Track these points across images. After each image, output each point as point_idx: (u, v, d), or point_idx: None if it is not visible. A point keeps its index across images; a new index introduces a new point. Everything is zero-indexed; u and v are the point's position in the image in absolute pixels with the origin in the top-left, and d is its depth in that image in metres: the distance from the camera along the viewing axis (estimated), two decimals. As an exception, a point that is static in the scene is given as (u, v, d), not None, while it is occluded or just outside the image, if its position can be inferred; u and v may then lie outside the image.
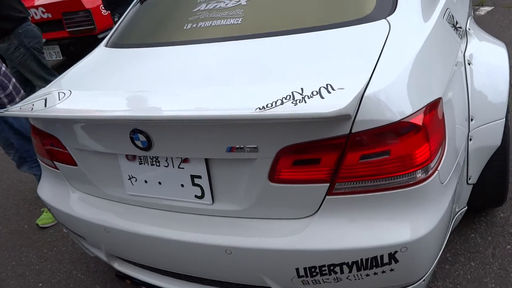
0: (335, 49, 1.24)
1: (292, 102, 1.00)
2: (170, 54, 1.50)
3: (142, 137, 1.20)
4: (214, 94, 1.15)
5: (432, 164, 1.09)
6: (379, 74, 1.08)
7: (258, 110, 0.99)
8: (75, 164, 1.46)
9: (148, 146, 1.21)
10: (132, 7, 1.99)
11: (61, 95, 1.44)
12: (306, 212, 1.15)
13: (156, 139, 1.19)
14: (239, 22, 1.50)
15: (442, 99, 1.16)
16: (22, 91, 2.22)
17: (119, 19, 3.41)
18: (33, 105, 1.36)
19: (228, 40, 1.45)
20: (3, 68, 2.15)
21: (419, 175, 1.07)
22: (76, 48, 4.64)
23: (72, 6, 4.38)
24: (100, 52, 1.77)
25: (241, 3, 1.56)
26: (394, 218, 1.08)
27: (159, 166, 1.29)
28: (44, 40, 4.74)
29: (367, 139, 1.04)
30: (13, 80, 2.19)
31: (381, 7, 1.37)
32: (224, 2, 1.60)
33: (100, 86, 1.44)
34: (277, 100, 1.02)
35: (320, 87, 1.04)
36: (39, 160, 1.65)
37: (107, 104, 1.29)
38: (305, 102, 1.00)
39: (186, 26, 1.59)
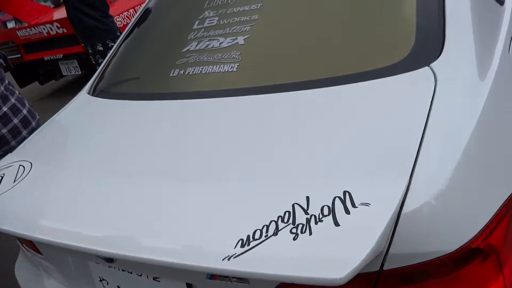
0: (355, 120, 0.88)
1: (291, 230, 0.67)
2: (151, 117, 1.19)
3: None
4: (182, 204, 0.83)
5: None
6: (424, 172, 0.72)
7: (239, 247, 0.66)
8: (41, 254, 1.19)
9: (111, 259, 0.91)
10: (120, 43, 1.69)
11: (20, 170, 1.17)
12: None
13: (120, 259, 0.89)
14: (234, 69, 1.16)
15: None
16: (37, 116, 2.07)
17: (92, 50, 3.22)
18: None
19: (218, 96, 1.12)
20: (17, 93, 1.98)
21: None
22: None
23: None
24: (79, 103, 1.48)
25: (238, 43, 1.23)
26: None
27: (131, 273, 0.99)
28: (61, 55, 4.62)
29: (406, 278, 0.69)
30: (27, 105, 2.02)
31: (421, 48, 1.00)
32: (218, 40, 1.27)
33: (64, 160, 1.15)
34: (270, 223, 0.69)
35: (335, 198, 0.70)
36: None
37: (61, 210, 0.98)
38: (310, 231, 0.66)
39: (173, 73, 1.28)
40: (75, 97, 1.57)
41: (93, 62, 3.38)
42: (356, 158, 0.78)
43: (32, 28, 4.53)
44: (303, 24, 1.19)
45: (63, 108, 1.52)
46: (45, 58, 4.67)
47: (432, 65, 0.94)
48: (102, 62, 3.23)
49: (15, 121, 1.93)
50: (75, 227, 0.87)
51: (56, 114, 1.51)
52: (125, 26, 4.32)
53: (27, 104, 2.04)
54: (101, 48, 3.22)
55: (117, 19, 4.25)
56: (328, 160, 0.80)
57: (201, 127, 1.03)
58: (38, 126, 2.02)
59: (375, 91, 0.94)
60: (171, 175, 0.91)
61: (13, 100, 1.92)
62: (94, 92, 1.49)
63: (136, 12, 4.46)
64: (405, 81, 0.94)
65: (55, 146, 1.26)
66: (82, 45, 3.48)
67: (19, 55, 4.74)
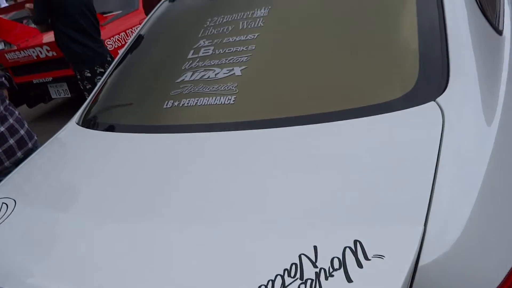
0: (361, 160, 0.84)
1: (300, 285, 0.61)
2: (143, 152, 1.13)
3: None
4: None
5: None
6: (439, 218, 0.67)
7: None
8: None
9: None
10: (111, 71, 1.64)
11: (3, 208, 1.10)
12: None
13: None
14: (231, 101, 1.12)
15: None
16: (35, 137, 2.04)
17: (80, 76, 3.16)
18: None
19: (215, 130, 1.07)
20: (17, 113, 1.98)
21: None
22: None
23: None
24: (67, 134, 1.42)
25: (234, 73, 1.18)
26: None
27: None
28: (50, 78, 4.55)
29: None
30: (26, 126, 2.02)
31: (425, 81, 0.96)
32: (214, 71, 1.23)
33: (50, 199, 1.08)
34: (275, 278, 0.63)
35: (345, 249, 0.64)
36: None
37: (45, 259, 0.90)
38: (320, 286, 0.60)
39: (167, 104, 1.23)
40: (64, 127, 1.51)
41: (81, 87, 3.31)
42: (365, 202, 0.73)
43: (21, 51, 4.47)
44: (303, 55, 1.15)
45: (51, 138, 1.45)
46: (34, 81, 4.60)
47: (438, 99, 0.91)
48: (90, 88, 3.19)
49: (11, 141, 1.90)
50: (59, 281, 0.80)
51: (43, 146, 1.44)
52: (116, 49, 4.29)
53: (26, 125, 2.01)
54: (89, 74, 3.16)
55: (108, 43, 4.21)
56: (334, 205, 0.74)
57: (197, 165, 0.98)
58: (35, 147, 1.97)
59: (381, 127, 0.90)
60: (164, 219, 0.85)
61: (11, 120, 1.90)
62: (83, 122, 1.43)
63: (127, 36, 4.44)
64: (411, 116, 0.90)
65: (41, 182, 1.19)
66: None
67: (8, 78, 4.66)
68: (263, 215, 0.77)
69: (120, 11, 4.63)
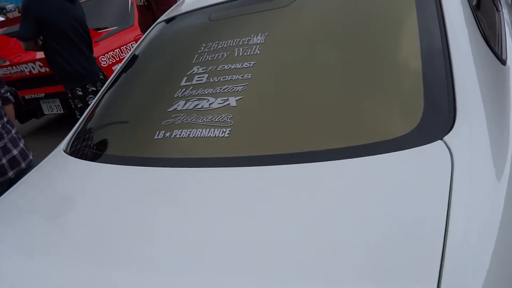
0: (365, 207, 0.78)
1: None
2: (131, 187, 1.06)
3: None
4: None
5: None
6: (453, 279, 0.61)
7: None
8: None
9: None
10: (101, 96, 1.58)
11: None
12: None
13: None
14: (225, 134, 1.06)
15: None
16: (30, 157, 2.00)
17: (71, 94, 3.07)
18: None
19: (207, 165, 1.01)
20: (13, 132, 1.95)
21: None
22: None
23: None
24: (53, 163, 1.35)
25: (229, 104, 1.13)
26: None
27: None
28: (43, 94, 4.48)
29: None
30: (22, 145, 1.98)
31: (431, 118, 0.91)
32: (208, 100, 1.17)
33: (30, 241, 1.00)
34: None
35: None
36: None
37: None
38: None
39: (158, 135, 1.17)
40: (50, 154, 1.45)
41: (72, 106, 3.23)
42: (368, 257, 0.67)
43: (14, 67, 4.40)
44: (302, 86, 1.10)
45: (37, 167, 1.38)
46: (26, 97, 4.53)
47: (445, 138, 0.86)
48: (81, 107, 3.12)
49: (3, 161, 1.86)
50: None
51: (27, 175, 1.37)
52: (110, 65, 4.24)
53: (21, 144, 1.96)
54: (80, 93, 3.09)
55: (102, 59, 4.17)
56: (335, 260, 0.68)
57: (188, 204, 0.91)
58: (28, 167, 1.92)
59: (386, 168, 0.84)
60: (152, 266, 0.78)
61: (6, 139, 1.87)
62: (70, 150, 1.36)
63: (122, 52, 4.40)
64: (416, 156, 0.84)
65: (21, 219, 1.12)
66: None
67: (-1, 94, 4.59)
68: (252, 274, 0.70)
69: (115, 27, 4.59)
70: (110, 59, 4.33)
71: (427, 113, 0.92)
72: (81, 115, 3.01)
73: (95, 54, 4.19)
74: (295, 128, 1.02)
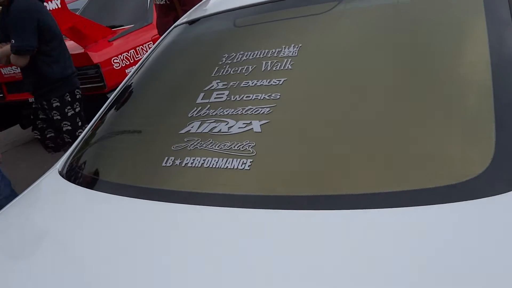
0: (424, 272, 0.69)
1: None
2: (132, 223, 1.03)
3: None
4: None
5: None
6: None
7: None
8: None
9: None
10: (104, 112, 1.55)
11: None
12: None
13: None
14: (246, 167, 1.00)
15: None
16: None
17: (48, 105, 3.09)
18: None
19: (222, 204, 0.96)
20: None
21: None
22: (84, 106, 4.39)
23: (78, 60, 4.16)
24: (47, 187, 1.33)
25: (253, 129, 1.07)
26: None
27: None
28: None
29: None
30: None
31: (504, 162, 0.82)
32: (227, 123, 1.12)
33: (14, 277, 0.97)
34: None
35: None
36: None
37: None
38: None
39: (166, 161, 1.12)
40: (44, 175, 1.43)
41: (45, 117, 3.23)
42: None
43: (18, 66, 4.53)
44: (344, 113, 1.04)
45: (26, 190, 1.37)
46: (30, 100, 4.63)
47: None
48: (59, 119, 3.14)
49: None
50: None
51: (17, 198, 1.36)
52: (123, 68, 4.29)
53: None
54: (58, 104, 3.12)
55: (115, 61, 4.23)
56: None
57: (196, 251, 0.86)
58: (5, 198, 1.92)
59: (442, 225, 0.76)
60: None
61: None
62: (66, 173, 1.34)
63: (137, 54, 4.45)
64: (488, 209, 0.76)
65: (8, 251, 1.09)
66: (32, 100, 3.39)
67: (1, 95, 4.72)
68: None
69: (131, 25, 4.66)
70: (124, 61, 4.39)
71: (499, 155, 0.83)
72: (56, 129, 3.07)
73: (107, 54, 4.28)
74: (334, 164, 0.95)
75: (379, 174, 0.90)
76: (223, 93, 1.21)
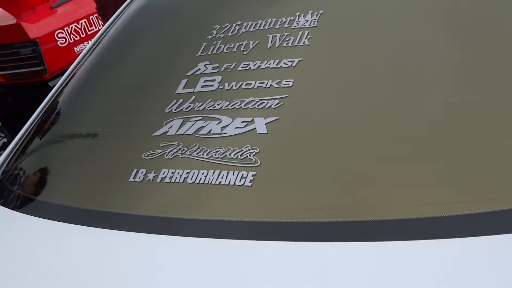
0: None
1: None
2: (84, 259, 1.05)
3: None
4: None
5: None
6: None
7: None
8: None
9: None
10: (55, 94, 1.59)
11: None
12: None
13: None
14: (246, 182, 1.02)
15: None
16: None
17: None
18: None
19: (211, 235, 0.99)
20: None
21: None
22: (15, 99, 4.45)
23: (7, 35, 4.20)
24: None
25: (255, 129, 1.10)
26: None
27: None
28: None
29: None
30: None
31: None
32: (220, 120, 1.15)
33: None
34: None
35: None
36: None
37: None
38: None
39: (135, 176, 1.15)
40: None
41: None
42: None
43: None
44: (382, 107, 1.06)
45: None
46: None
47: None
48: None
49: None
50: None
51: None
52: (71, 45, 4.35)
53: None
54: None
55: (60, 35, 4.29)
56: None
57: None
58: None
59: None
60: None
61: None
62: (14, 203, 1.37)
63: (90, 25, 4.51)
64: None
65: None
66: None
67: None
68: None
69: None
70: (72, 35, 4.45)
71: None
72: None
73: (49, 26, 4.32)
74: (367, 177, 0.97)
75: (434, 194, 0.91)
76: (214, 80, 1.23)
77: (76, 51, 4.36)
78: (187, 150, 1.12)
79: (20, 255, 1.14)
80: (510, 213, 0.84)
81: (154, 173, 1.12)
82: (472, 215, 0.85)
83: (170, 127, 1.18)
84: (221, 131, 1.12)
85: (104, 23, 2.00)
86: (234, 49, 1.28)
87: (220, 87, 1.21)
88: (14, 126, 3.34)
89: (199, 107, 1.19)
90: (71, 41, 4.40)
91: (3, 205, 1.29)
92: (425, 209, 0.89)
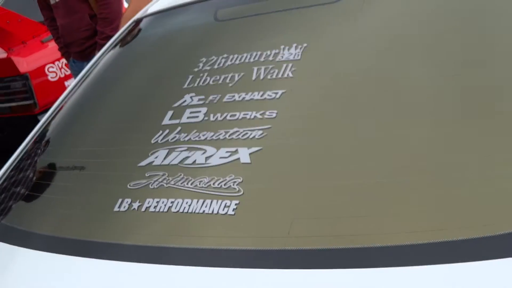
0: None
1: None
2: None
3: None
4: None
5: None
6: None
7: None
8: None
9: None
10: (44, 124, 1.60)
11: None
12: None
13: None
14: (229, 211, 1.04)
15: None
16: None
17: None
18: None
19: (196, 264, 0.99)
20: None
21: None
22: (5, 133, 4.44)
23: (-1, 69, 4.22)
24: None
25: (239, 159, 1.12)
26: None
27: None
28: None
29: None
30: None
31: None
32: (204, 151, 1.17)
33: None
34: None
35: None
36: None
37: None
38: None
39: (120, 205, 1.16)
40: None
41: None
42: None
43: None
44: (366, 137, 1.09)
45: None
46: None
47: None
48: None
49: None
50: None
51: None
52: (61, 80, 4.36)
53: None
54: None
55: (50, 69, 4.31)
56: None
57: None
58: None
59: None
60: None
61: None
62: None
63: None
64: None
65: None
66: None
67: None
68: None
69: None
70: (63, 70, 4.45)
71: None
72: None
73: (40, 60, 4.33)
74: (349, 207, 0.99)
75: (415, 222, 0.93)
76: (199, 111, 1.26)
77: (66, 85, 4.36)
78: (172, 180, 1.14)
79: (6, 285, 1.14)
80: (502, 238, 0.85)
81: (139, 202, 1.13)
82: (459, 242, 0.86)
83: (155, 157, 1.20)
84: (205, 161, 1.14)
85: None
86: (220, 81, 1.30)
87: (205, 118, 1.23)
88: (2, 160, 3.35)
89: (184, 137, 1.21)
90: (61, 76, 4.40)
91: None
92: (406, 236, 0.91)
